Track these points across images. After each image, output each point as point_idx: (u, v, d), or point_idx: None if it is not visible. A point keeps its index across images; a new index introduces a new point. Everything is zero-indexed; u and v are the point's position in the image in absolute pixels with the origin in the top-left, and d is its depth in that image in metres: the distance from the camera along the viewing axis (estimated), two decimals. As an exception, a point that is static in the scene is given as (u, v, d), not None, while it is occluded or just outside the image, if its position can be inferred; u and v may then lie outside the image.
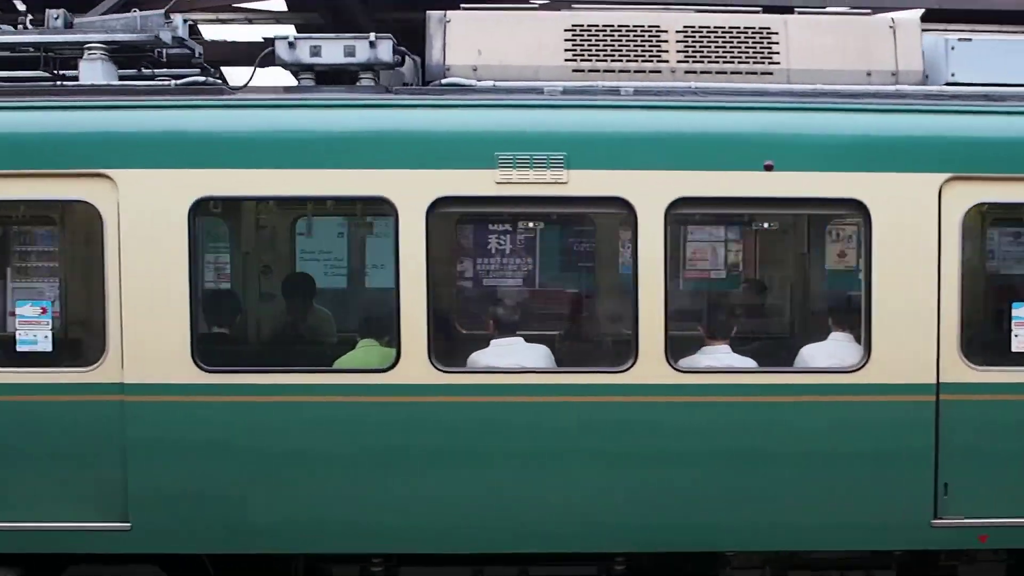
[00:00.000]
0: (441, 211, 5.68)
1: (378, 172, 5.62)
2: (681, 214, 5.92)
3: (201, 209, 5.70)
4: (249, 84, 6.18)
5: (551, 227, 7.32)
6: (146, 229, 5.63)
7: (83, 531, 5.72)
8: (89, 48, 6.23)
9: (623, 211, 5.69)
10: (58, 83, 6.31)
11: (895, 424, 5.63)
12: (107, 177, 5.62)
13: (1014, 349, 5.71)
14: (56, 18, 6.58)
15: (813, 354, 5.95)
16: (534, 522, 5.74)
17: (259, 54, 6.17)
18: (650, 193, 5.61)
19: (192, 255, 5.65)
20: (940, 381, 5.59)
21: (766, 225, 7.50)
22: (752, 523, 5.76)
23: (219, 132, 5.71)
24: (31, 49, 6.65)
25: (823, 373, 5.83)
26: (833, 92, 5.89)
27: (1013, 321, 5.73)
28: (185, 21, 6.69)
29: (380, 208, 5.82)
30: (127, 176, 5.62)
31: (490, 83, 5.95)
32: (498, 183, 5.62)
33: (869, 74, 6.04)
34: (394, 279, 5.62)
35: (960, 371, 5.58)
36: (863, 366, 5.65)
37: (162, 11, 6.55)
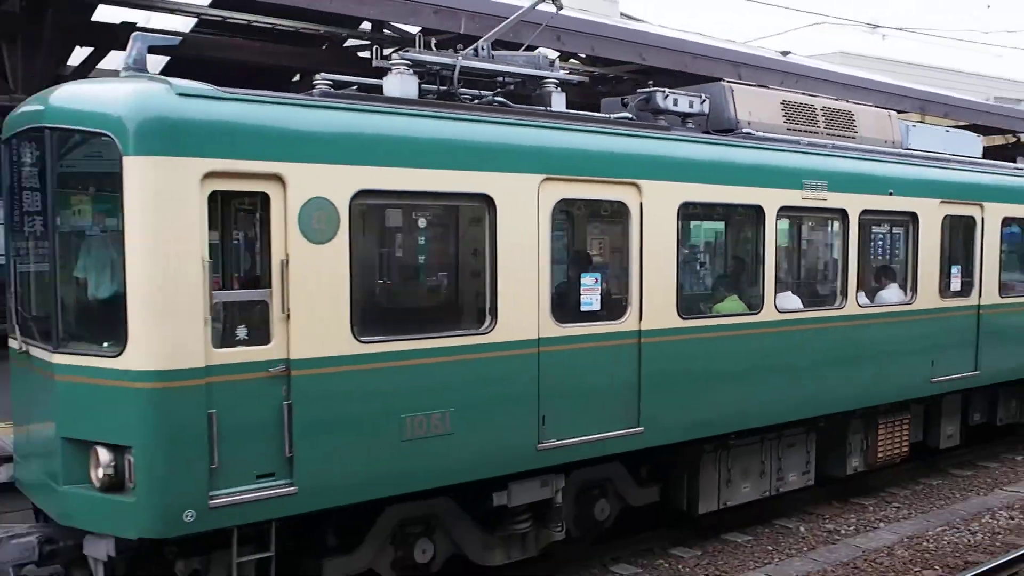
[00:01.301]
0: (779, 214, 9.25)
1: (756, 189, 9.03)
2: (863, 218, 10.18)
3: (683, 210, 8.45)
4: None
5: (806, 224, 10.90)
6: (655, 223, 8.21)
7: (614, 438, 8.08)
8: (552, 82, 8.31)
9: (839, 216, 9.90)
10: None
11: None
12: (636, 185, 8.07)
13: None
14: (483, 49, 8.33)
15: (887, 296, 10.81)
16: (801, 400, 9.65)
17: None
18: (853, 205, 9.91)
19: (679, 243, 8.39)
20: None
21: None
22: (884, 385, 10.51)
23: (694, 159, 8.54)
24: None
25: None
26: (881, 154, 10.77)
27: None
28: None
29: (753, 212, 9.11)
30: (648, 185, 8.14)
31: (761, 134, 9.56)
32: (803, 198, 9.42)
33: (886, 142, 11.01)
34: (759, 257, 9.09)
35: None
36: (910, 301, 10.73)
37: (545, 52, 8.79)
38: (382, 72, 7.64)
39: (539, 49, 10.35)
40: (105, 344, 6.18)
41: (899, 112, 15.99)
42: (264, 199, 6.25)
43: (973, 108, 19.71)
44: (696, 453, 9.12)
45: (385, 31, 13.31)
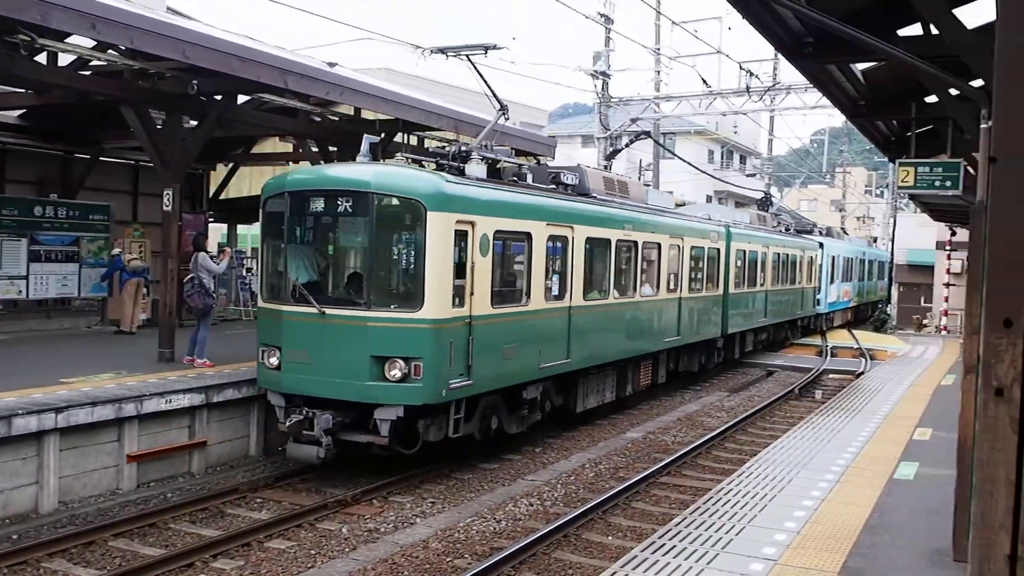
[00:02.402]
0: (616, 244, 16.51)
1: (609, 230, 16.30)
2: (643, 245, 17.75)
3: (587, 242, 15.42)
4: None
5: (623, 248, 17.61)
6: (578, 248, 15.14)
7: (559, 364, 14.83)
8: (527, 166, 14.87)
9: (634, 245, 17.43)
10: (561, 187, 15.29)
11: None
12: (571, 227, 14.93)
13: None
14: (490, 148, 14.61)
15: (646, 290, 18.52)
16: (616, 349, 17.02)
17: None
18: (640, 238, 17.49)
19: (584, 260, 15.32)
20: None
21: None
22: (647, 342, 18.21)
23: (592, 213, 15.60)
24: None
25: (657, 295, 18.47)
26: (647, 208, 18.54)
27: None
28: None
29: (606, 242, 16.20)
30: (577, 228, 15.06)
31: (599, 196, 16.73)
32: (623, 235, 16.83)
33: (642, 200, 18.76)
34: (608, 267, 16.32)
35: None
36: (658, 292, 18.57)
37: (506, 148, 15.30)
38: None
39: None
40: (392, 307, 12.00)
41: (436, 129, 19.94)
42: (466, 233, 12.33)
43: (501, 131, 21.20)
44: (576, 378, 16.05)
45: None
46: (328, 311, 12.17)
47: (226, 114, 16.40)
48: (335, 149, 19.54)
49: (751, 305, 26.21)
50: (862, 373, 23.73)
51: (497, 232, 12.95)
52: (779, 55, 25.79)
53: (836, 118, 67.80)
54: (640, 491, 12.64)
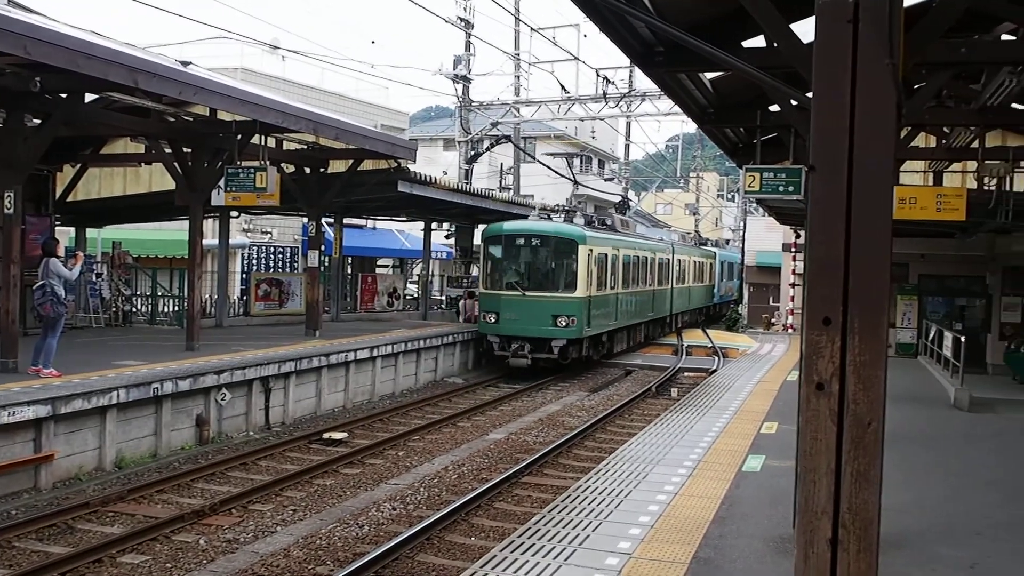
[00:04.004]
0: (632, 256, 26.85)
1: (631, 250, 28.78)
2: (643, 258, 26.94)
3: (625, 256, 28.08)
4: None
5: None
6: (628, 260, 28.54)
7: (615, 323, 27.94)
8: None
9: (640, 257, 22.69)
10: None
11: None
12: (618, 250, 27.31)
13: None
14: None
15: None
16: (636, 316, 30.43)
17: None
18: (643, 253, 28.32)
19: (625, 266, 28.23)
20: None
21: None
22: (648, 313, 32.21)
23: (629, 240, 29.60)
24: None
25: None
26: (640, 235, 28.85)
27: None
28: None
29: (634, 256, 28.74)
30: (623, 250, 27.88)
31: (621, 230, 26.38)
32: (638, 251, 28.17)
33: (636, 231, 27.63)
34: (632, 269, 26.17)
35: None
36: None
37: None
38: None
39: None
40: (560, 291, 24.33)
41: (294, 131, 19.42)
42: (590, 254, 24.37)
43: (361, 134, 20.83)
44: (615, 334, 28.04)
45: None
46: (527, 293, 24.18)
47: (73, 113, 15.70)
48: (189, 150, 18.95)
49: (684, 295, 38.93)
50: (715, 371, 24.57)
51: (599, 253, 25.04)
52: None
53: (690, 125, 69.74)
54: (502, 491, 12.69)
